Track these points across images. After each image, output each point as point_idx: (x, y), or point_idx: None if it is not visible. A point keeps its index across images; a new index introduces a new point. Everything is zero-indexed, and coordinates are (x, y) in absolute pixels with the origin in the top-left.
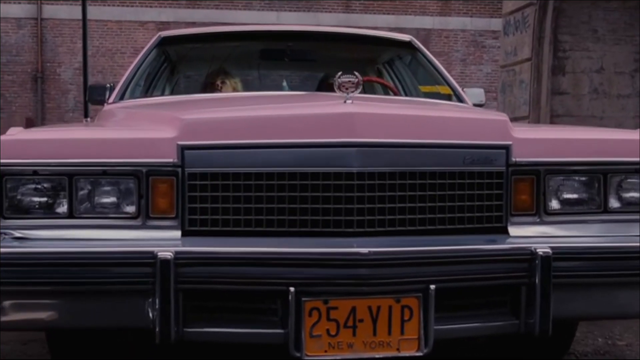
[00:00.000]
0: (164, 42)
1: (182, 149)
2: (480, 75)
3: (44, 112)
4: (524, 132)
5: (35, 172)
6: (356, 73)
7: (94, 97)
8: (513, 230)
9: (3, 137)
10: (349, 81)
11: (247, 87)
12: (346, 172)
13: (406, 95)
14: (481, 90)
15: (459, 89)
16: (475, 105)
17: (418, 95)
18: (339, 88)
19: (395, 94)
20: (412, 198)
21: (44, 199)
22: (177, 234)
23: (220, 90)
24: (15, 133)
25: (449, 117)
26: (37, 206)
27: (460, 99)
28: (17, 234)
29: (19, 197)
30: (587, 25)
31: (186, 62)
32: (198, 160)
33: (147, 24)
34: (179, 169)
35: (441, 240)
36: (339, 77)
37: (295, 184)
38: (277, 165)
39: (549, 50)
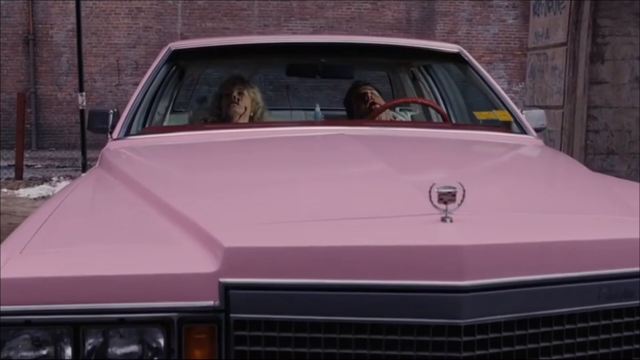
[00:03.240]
0: (174, 56)
1: (226, 288)
2: (487, 36)
3: (36, 75)
4: None
5: (28, 323)
6: (460, 183)
7: (95, 124)
8: None
9: None
10: (448, 192)
11: (270, 103)
12: (450, 325)
13: (454, 118)
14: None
15: (519, 113)
16: (536, 130)
17: (464, 119)
18: (436, 199)
19: (444, 120)
20: (533, 352)
21: (42, 354)
22: None
23: (237, 103)
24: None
25: (581, 240)
26: None
27: (522, 128)
28: None
29: (7, 354)
30: (630, 8)
31: (201, 77)
32: (248, 304)
33: None
34: (222, 315)
35: None
36: (435, 188)
37: (379, 340)
38: (354, 313)
39: (587, 35)
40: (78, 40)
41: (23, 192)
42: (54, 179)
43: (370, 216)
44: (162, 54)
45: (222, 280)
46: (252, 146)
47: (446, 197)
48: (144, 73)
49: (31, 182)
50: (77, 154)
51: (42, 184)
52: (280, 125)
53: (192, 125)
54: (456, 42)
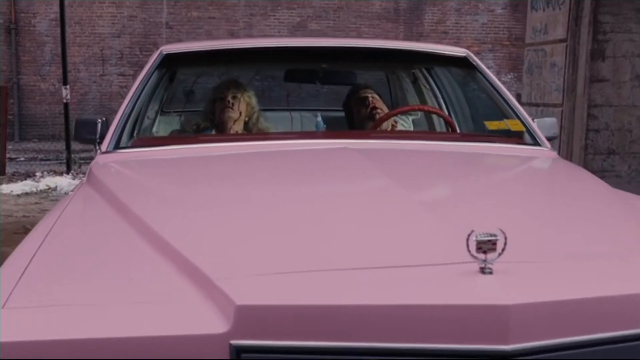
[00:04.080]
0: (166, 60)
1: (238, 351)
2: (476, 26)
3: (18, 65)
4: None
5: None
6: (502, 230)
7: (82, 134)
8: None
9: None
10: (489, 241)
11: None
12: None
13: (458, 123)
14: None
15: (532, 122)
16: (547, 138)
17: (468, 124)
18: (474, 249)
19: (452, 129)
20: None
21: None
22: None
23: (232, 108)
24: None
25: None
26: None
27: (534, 138)
28: None
29: None
30: (631, 4)
31: (194, 82)
32: None
33: None
34: None
35: None
36: (474, 235)
37: None
38: None
39: (587, 32)
40: (62, 29)
41: (6, 188)
42: (38, 174)
43: (400, 265)
44: (154, 58)
45: (234, 342)
46: (253, 164)
47: (486, 246)
48: (129, 63)
49: (14, 178)
50: (61, 145)
51: (25, 179)
52: (280, 138)
53: (186, 137)
54: (444, 32)
